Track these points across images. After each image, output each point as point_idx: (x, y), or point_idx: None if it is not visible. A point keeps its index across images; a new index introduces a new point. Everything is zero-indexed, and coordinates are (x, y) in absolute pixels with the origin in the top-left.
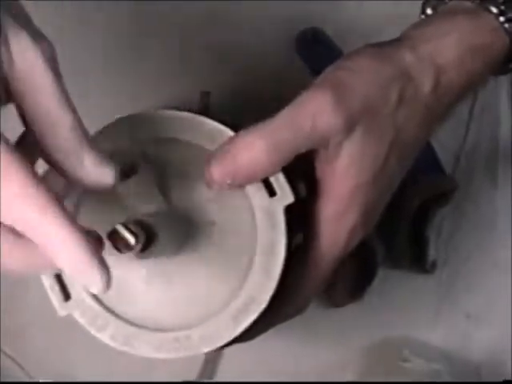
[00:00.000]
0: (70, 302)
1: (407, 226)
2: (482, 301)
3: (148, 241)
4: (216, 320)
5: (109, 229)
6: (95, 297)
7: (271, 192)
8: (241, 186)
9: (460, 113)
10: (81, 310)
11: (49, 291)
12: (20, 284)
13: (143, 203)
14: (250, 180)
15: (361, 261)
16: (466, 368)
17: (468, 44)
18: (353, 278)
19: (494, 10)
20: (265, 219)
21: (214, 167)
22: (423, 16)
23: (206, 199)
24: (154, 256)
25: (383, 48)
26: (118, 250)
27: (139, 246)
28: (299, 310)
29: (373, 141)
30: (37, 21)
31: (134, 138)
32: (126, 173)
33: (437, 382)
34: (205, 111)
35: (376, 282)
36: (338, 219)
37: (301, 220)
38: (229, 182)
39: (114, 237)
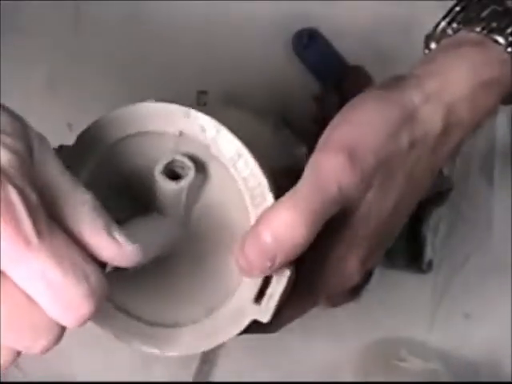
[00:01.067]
0: None
1: (403, 225)
2: (480, 300)
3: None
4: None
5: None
6: None
7: (259, 297)
8: (279, 269)
9: None
10: None
11: None
12: None
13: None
14: (290, 258)
15: None
16: (464, 368)
17: (477, 79)
18: None
19: (502, 40)
20: (231, 314)
21: (251, 250)
22: (427, 51)
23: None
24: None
25: (388, 91)
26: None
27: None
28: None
29: (386, 193)
30: (33, 25)
31: (185, 134)
32: (178, 174)
33: (434, 381)
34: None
35: (373, 282)
36: (341, 266)
37: None
38: (269, 264)
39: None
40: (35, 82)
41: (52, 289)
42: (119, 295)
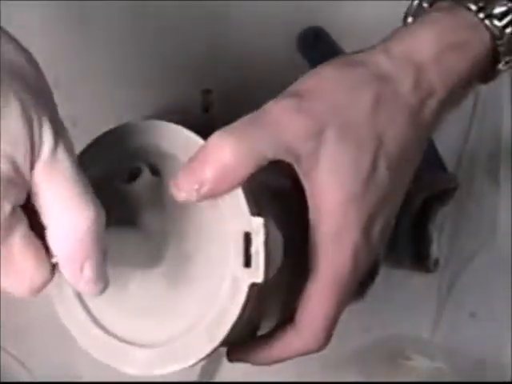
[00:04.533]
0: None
1: (409, 224)
2: (485, 299)
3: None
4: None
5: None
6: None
7: (247, 262)
8: (210, 196)
9: (462, 111)
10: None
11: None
12: None
13: (139, 207)
14: (221, 182)
15: None
16: (469, 367)
17: (445, 40)
18: None
19: (473, 7)
20: (229, 287)
21: (179, 174)
22: None
23: (190, 224)
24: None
25: (356, 54)
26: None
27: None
28: (316, 346)
29: (350, 148)
30: (37, 22)
31: (143, 146)
32: (132, 176)
33: (439, 381)
34: (207, 110)
35: (378, 281)
36: (336, 239)
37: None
38: (196, 187)
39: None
40: None
41: None
42: (96, 308)
